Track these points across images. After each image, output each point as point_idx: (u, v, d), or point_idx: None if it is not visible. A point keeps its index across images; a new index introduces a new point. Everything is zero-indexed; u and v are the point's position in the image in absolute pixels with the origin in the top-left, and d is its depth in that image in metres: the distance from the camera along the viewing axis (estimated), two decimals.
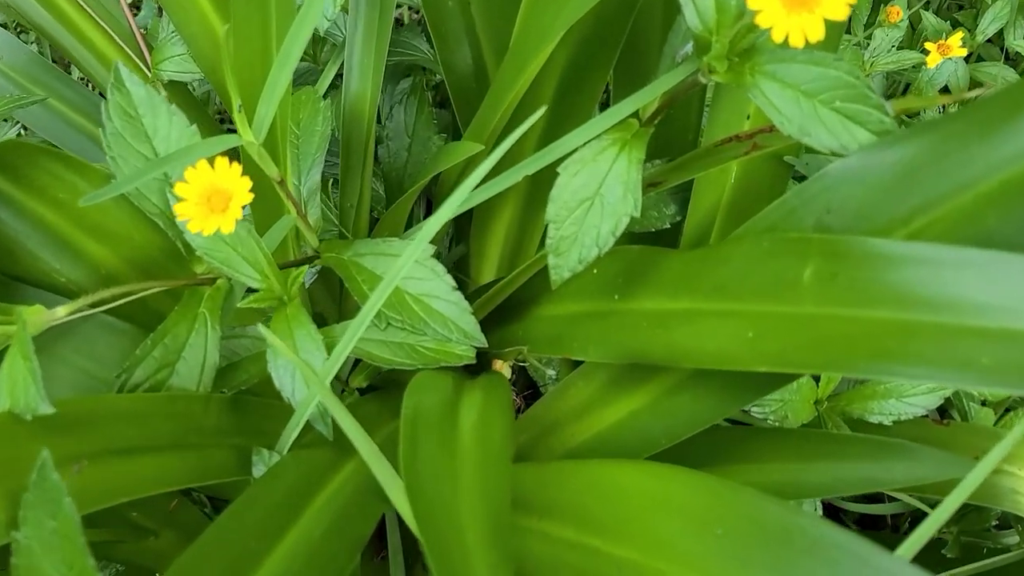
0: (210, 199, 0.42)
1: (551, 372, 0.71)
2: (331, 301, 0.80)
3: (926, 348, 0.37)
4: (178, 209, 0.42)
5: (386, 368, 0.57)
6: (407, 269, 0.56)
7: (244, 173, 0.61)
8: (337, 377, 0.67)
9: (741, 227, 0.49)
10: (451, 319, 0.56)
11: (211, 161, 0.43)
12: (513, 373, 0.76)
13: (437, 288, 0.56)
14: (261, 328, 0.42)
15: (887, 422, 0.60)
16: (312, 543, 0.39)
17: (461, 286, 0.83)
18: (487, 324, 0.65)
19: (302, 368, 0.44)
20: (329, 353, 0.50)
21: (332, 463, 0.48)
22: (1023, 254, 0.36)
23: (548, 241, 0.51)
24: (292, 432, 0.47)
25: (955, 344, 0.36)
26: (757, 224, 0.48)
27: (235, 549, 0.38)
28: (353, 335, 0.47)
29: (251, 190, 0.63)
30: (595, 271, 0.56)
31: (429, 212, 0.81)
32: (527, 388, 0.80)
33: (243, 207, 0.42)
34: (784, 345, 0.42)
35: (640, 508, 0.44)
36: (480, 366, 0.68)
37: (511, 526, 0.50)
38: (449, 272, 0.68)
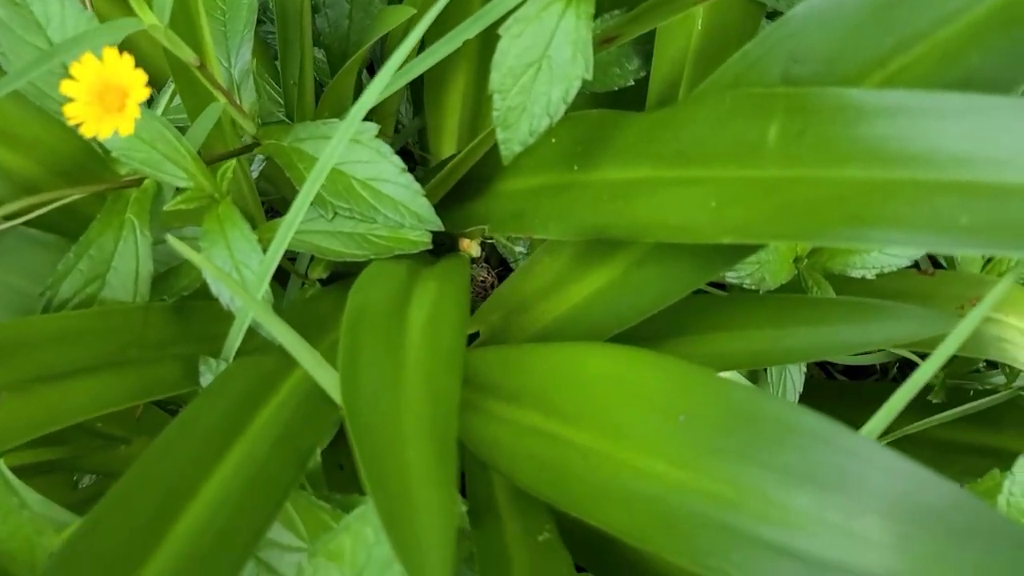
0: (103, 97, 0.37)
1: (520, 248, 0.68)
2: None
3: (901, 209, 0.33)
4: (68, 111, 0.37)
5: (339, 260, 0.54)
6: (347, 152, 0.52)
7: (166, 57, 0.56)
8: (295, 271, 0.64)
9: (704, 83, 0.44)
10: (402, 203, 0.52)
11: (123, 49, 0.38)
12: (483, 250, 0.73)
13: (385, 171, 0.52)
14: (171, 240, 0.38)
15: (870, 276, 0.57)
16: (257, 461, 0.37)
17: (423, 162, 0.79)
18: (447, 203, 0.61)
19: (227, 281, 0.40)
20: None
21: (282, 367, 0.45)
22: (1006, 96, 0.32)
23: (495, 113, 0.47)
24: (235, 341, 0.44)
25: (932, 203, 0.33)
26: (719, 79, 0.43)
27: (172, 475, 0.36)
28: (287, 232, 0.43)
29: (180, 73, 0.58)
30: (553, 140, 0.52)
31: None
32: (500, 264, 0.77)
33: (141, 103, 0.37)
34: (749, 214, 0.38)
35: (606, 394, 0.42)
36: (446, 246, 0.64)
37: (481, 411, 0.48)
38: (410, 147, 0.63)
